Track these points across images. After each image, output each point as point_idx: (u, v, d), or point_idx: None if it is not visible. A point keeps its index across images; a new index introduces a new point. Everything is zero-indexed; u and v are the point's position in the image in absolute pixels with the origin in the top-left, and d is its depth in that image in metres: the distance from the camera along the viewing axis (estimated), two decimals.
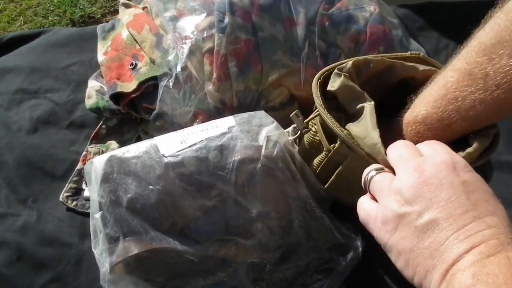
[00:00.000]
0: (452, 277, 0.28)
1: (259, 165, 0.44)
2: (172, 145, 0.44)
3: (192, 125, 0.50)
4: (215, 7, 0.55)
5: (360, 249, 0.50)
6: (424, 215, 0.30)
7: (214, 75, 0.54)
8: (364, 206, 0.36)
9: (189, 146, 0.44)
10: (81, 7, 1.80)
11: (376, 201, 0.36)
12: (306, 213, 0.47)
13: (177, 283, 0.45)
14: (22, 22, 1.77)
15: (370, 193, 0.37)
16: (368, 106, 0.42)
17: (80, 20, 1.77)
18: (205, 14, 0.55)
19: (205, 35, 0.54)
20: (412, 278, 0.31)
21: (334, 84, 0.44)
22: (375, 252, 0.52)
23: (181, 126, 0.52)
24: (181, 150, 0.44)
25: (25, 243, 0.54)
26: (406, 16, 0.75)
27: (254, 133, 0.46)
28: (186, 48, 0.54)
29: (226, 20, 0.54)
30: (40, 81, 0.69)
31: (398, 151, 0.36)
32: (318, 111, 0.44)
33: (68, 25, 1.75)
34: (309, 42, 0.57)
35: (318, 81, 0.46)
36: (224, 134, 0.45)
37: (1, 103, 0.67)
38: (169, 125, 0.56)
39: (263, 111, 0.49)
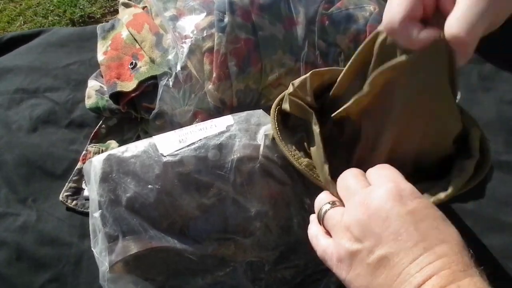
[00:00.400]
0: None
1: (258, 164, 0.44)
2: (171, 144, 0.44)
3: (191, 125, 0.49)
4: (215, 6, 0.55)
5: None
6: (375, 252, 0.30)
7: (214, 74, 0.54)
8: (321, 243, 0.35)
9: (188, 145, 0.44)
10: (81, 7, 1.80)
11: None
12: (305, 213, 0.47)
13: (177, 282, 0.45)
14: (22, 22, 1.77)
15: (325, 228, 0.36)
16: (316, 134, 0.41)
17: (80, 20, 1.77)
18: (205, 14, 0.55)
19: (205, 34, 0.54)
20: None
21: (285, 105, 0.45)
22: None
23: (181, 126, 0.52)
24: (180, 149, 0.44)
25: (25, 242, 0.54)
26: None
27: (253, 132, 0.46)
28: (186, 47, 0.54)
29: (226, 19, 0.54)
30: (40, 81, 0.69)
31: (345, 182, 0.35)
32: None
33: (68, 25, 1.75)
34: (309, 42, 0.57)
35: (276, 108, 0.46)
36: (222, 133, 0.45)
37: (1, 103, 0.67)
38: (169, 124, 0.56)
39: (261, 110, 0.49)
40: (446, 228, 0.30)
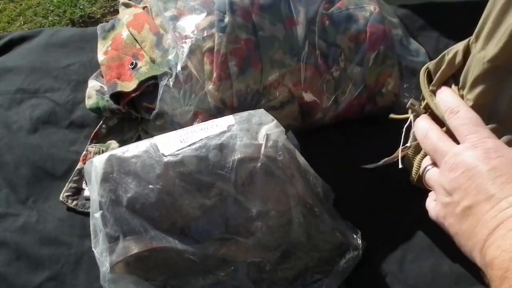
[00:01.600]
0: (484, 253, 0.34)
1: (259, 164, 0.44)
2: (172, 144, 0.44)
3: (192, 125, 0.49)
4: (215, 6, 0.55)
5: (360, 248, 0.50)
6: (461, 204, 0.36)
7: (214, 75, 0.54)
8: (430, 208, 0.43)
9: (189, 145, 0.44)
10: (81, 7, 1.80)
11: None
12: (306, 212, 0.47)
13: (177, 283, 0.45)
14: (22, 22, 1.78)
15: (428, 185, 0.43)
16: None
17: (80, 20, 1.77)
18: (205, 14, 0.55)
19: (205, 34, 0.54)
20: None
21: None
22: (375, 252, 0.52)
23: (181, 126, 0.52)
24: (180, 149, 0.44)
25: (25, 243, 0.54)
26: (406, 16, 0.75)
27: (254, 132, 0.46)
28: (186, 47, 0.54)
29: (226, 19, 0.54)
30: (40, 81, 0.69)
31: (432, 145, 0.41)
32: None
33: (68, 25, 1.75)
34: (309, 42, 0.57)
35: (425, 70, 0.47)
36: (223, 132, 0.45)
37: (1, 103, 0.67)
38: (169, 124, 0.56)
39: (262, 109, 0.49)
40: None
